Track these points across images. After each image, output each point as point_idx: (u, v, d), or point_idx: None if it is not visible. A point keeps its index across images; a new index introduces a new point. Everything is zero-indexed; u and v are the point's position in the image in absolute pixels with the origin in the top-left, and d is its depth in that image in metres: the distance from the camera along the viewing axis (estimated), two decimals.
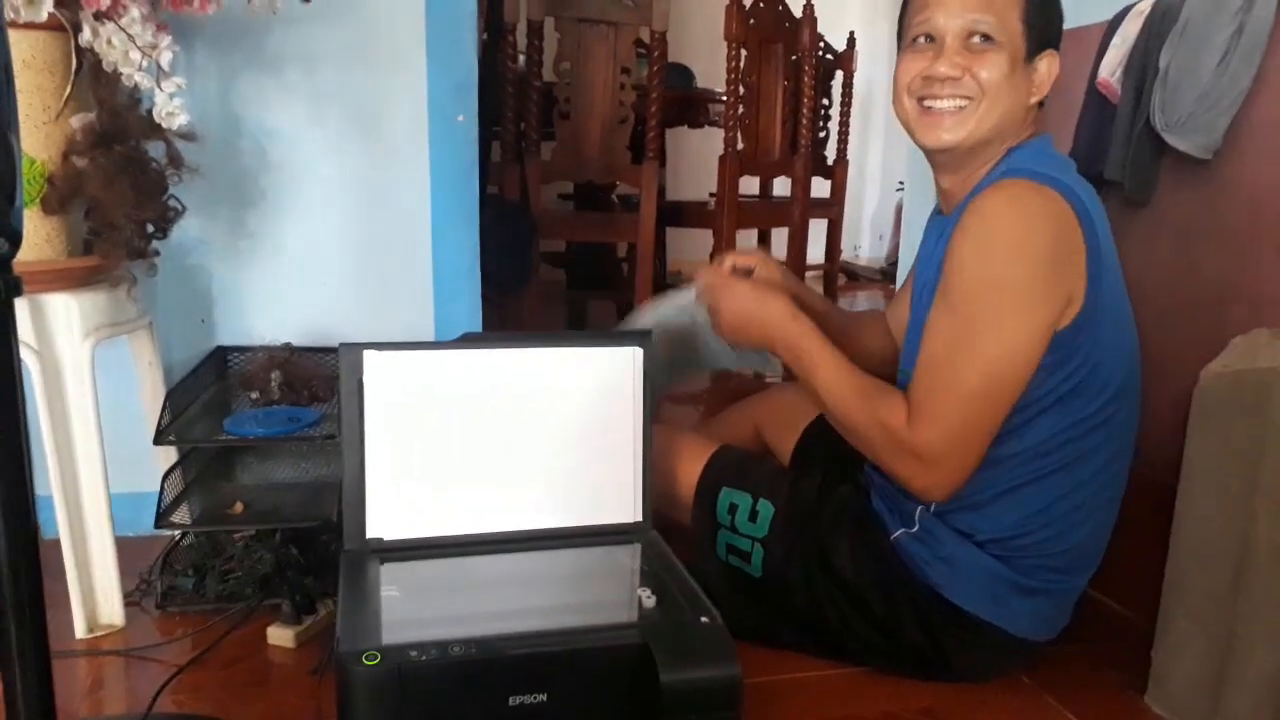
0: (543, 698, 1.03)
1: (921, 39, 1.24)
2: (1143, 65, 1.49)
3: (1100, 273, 1.17)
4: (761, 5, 3.06)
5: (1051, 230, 1.14)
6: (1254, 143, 1.36)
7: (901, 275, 2.41)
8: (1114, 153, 1.54)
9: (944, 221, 1.31)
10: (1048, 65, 1.23)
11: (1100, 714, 1.30)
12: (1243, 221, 1.38)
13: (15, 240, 0.85)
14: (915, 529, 1.29)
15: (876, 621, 1.32)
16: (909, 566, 1.29)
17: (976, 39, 1.20)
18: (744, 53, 2.98)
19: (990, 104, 1.21)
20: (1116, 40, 1.56)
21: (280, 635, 1.40)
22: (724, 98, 3.03)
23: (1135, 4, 1.56)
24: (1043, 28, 1.22)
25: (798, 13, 3.22)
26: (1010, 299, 1.15)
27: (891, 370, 1.50)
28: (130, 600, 1.48)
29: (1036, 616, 1.30)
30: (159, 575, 1.51)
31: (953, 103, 1.22)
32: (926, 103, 1.24)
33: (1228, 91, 1.36)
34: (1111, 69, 1.55)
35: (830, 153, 3.84)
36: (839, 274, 4.36)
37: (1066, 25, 1.76)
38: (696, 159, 4.16)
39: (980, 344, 1.15)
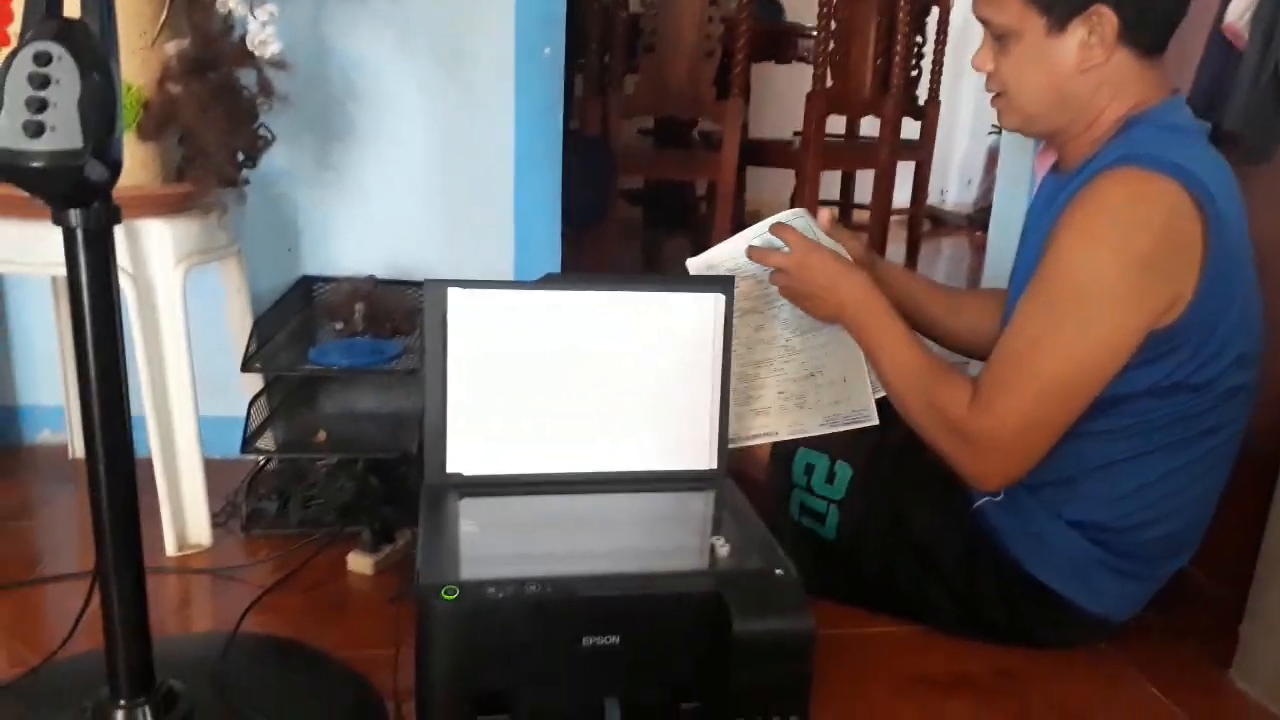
0: (615, 640, 1.03)
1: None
2: (1274, 9, 1.39)
3: (1219, 272, 1.10)
4: None
5: (1164, 228, 1.08)
6: None
7: (994, 224, 2.33)
8: (1235, 103, 1.45)
9: (1057, 184, 1.24)
10: (1086, 31, 1.12)
11: (1183, 686, 1.27)
12: None
13: (115, 168, 0.87)
14: (1000, 498, 1.25)
15: (953, 591, 1.30)
16: (991, 537, 1.26)
17: (996, 33, 1.18)
18: None
19: (1017, 94, 1.19)
20: None
21: (360, 562, 1.43)
22: (814, 33, 2.93)
23: None
24: None
25: None
26: (1106, 301, 1.09)
27: None
28: (217, 522, 1.53)
29: (1123, 598, 1.27)
30: (244, 499, 1.56)
31: (993, 94, 1.22)
32: None
33: None
34: (1239, 12, 1.46)
35: (922, 93, 3.70)
36: (924, 219, 4.24)
37: None
38: (781, 96, 4.05)
39: (1065, 343, 1.10)
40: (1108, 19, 1.11)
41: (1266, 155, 1.43)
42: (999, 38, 1.18)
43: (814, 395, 1.36)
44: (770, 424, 1.38)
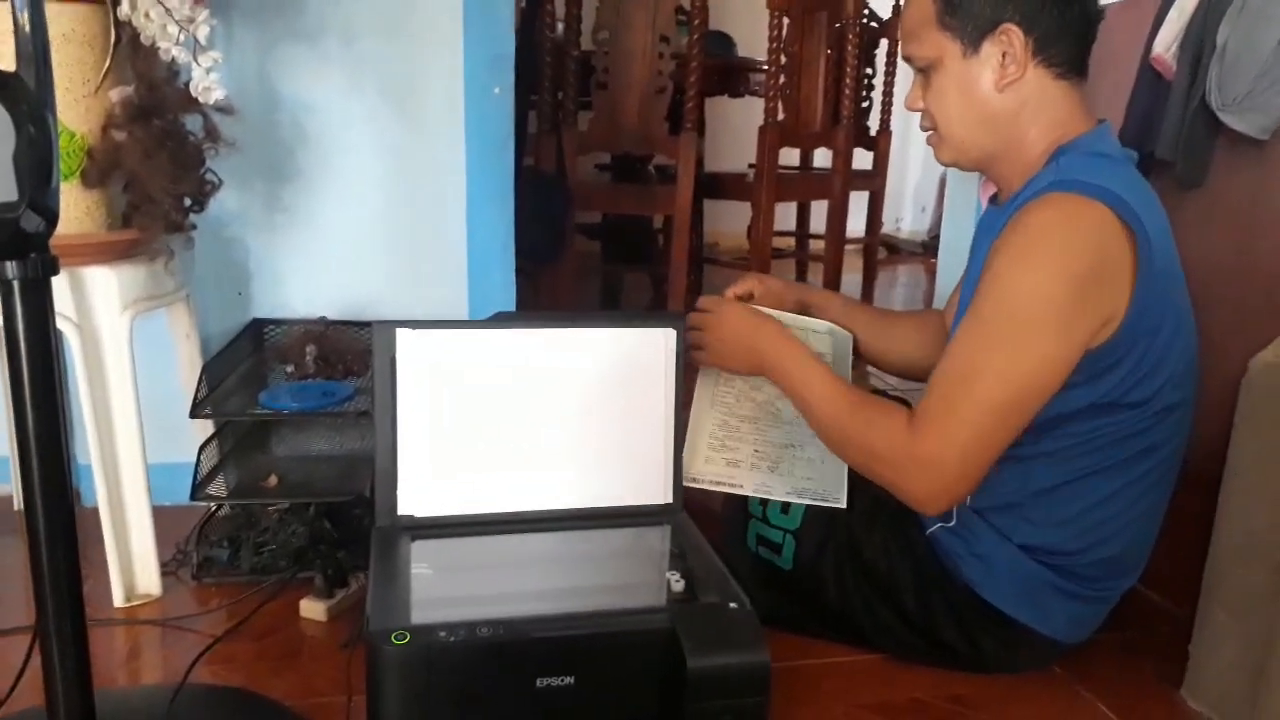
0: (570, 680, 1.03)
1: None
2: (1199, 41, 1.43)
3: (1150, 292, 1.13)
4: None
5: (1095, 250, 1.11)
6: None
7: (943, 250, 2.37)
8: (1167, 131, 1.49)
9: (995, 215, 1.27)
10: (998, 49, 1.17)
11: (1135, 706, 1.28)
12: None
13: (52, 219, 0.86)
14: (953, 523, 1.26)
15: (908, 617, 1.31)
16: (944, 562, 1.28)
17: (920, 67, 1.24)
18: (786, 21, 2.92)
19: (945, 123, 1.23)
20: (1172, 14, 1.50)
21: (312, 608, 1.42)
22: (765, 67, 2.98)
23: None
24: (971, 19, 1.17)
25: None
26: (1043, 320, 1.11)
27: None
28: (167, 570, 1.50)
29: (1073, 620, 1.28)
30: (195, 546, 1.53)
31: (927, 131, 1.27)
32: None
33: None
34: (1166, 44, 1.50)
35: (873, 123, 3.77)
36: (879, 247, 4.30)
37: None
38: (736, 129, 4.10)
39: (1006, 361, 1.12)
40: (1015, 35, 1.16)
41: (1198, 181, 1.47)
42: (923, 71, 1.23)
43: (788, 465, 1.37)
44: (739, 476, 1.37)
